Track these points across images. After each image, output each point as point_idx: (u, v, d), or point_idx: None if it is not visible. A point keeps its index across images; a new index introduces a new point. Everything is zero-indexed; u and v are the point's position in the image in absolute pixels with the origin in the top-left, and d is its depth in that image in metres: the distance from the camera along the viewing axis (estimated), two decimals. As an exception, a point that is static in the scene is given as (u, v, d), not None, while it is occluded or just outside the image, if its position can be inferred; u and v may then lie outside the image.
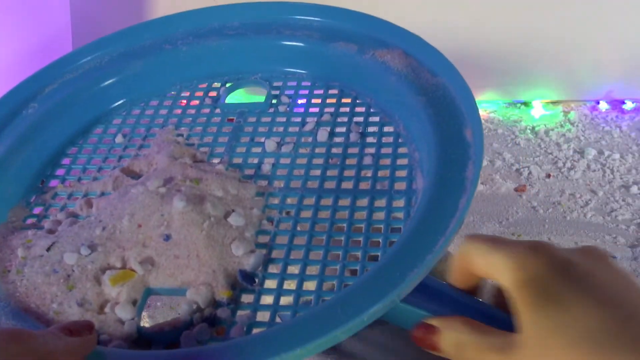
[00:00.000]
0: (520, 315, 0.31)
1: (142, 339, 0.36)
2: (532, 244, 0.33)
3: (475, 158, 0.39)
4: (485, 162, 0.70)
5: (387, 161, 0.45)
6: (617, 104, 0.79)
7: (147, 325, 0.37)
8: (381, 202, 0.42)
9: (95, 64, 0.53)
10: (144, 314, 0.38)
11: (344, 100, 0.51)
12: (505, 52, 0.78)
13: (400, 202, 0.42)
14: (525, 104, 0.79)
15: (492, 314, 0.35)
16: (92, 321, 0.34)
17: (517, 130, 0.76)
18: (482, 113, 0.77)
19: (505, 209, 0.67)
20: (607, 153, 0.72)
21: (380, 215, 0.41)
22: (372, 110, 0.49)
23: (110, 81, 0.53)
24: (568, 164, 0.73)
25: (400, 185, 0.43)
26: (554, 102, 0.80)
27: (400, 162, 0.45)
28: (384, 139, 0.47)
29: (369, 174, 0.44)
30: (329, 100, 0.51)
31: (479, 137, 0.40)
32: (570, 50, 0.77)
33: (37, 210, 0.46)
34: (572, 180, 0.71)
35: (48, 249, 0.40)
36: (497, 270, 0.33)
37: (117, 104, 0.53)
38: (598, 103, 0.79)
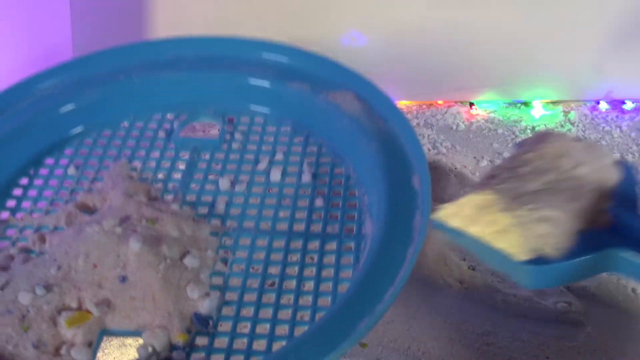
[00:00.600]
0: None
1: (97, 381, 0.37)
2: None
3: (423, 207, 0.41)
4: (485, 162, 0.71)
5: (338, 203, 0.47)
6: (617, 104, 0.81)
7: (103, 367, 0.38)
8: (331, 246, 0.44)
9: (49, 92, 0.53)
10: (99, 355, 0.39)
11: (296, 140, 0.52)
12: (505, 52, 0.77)
13: (349, 246, 0.44)
14: (525, 104, 0.80)
15: None
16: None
17: (517, 130, 0.77)
18: (482, 113, 0.77)
19: None
20: None
21: (330, 259, 0.43)
22: (323, 150, 0.51)
23: (63, 110, 0.53)
24: None
25: (350, 229, 0.45)
26: (554, 102, 0.81)
27: (350, 204, 0.47)
28: (334, 181, 0.49)
29: (320, 216, 0.46)
30: (281, 139, 0.53)
31: (426, 186, 0.42)
32: (570, 50, 0.78)
33: (-13, 242, 0.46)
34: None
35: (2, 288, 0.40)
36: None
37: (69, 133, 0.54)
38: (598, 103, 0.81)
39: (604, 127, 0.79)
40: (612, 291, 0.58)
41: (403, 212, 0.42)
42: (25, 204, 0.48)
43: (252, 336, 0.39)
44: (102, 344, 0.39)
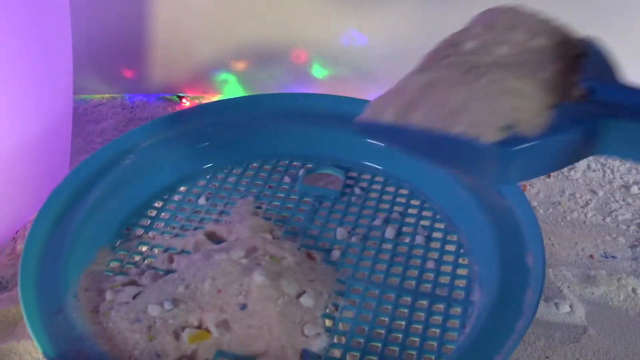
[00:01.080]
0: None
1: (210, 397, 0.40)
2: None
3: (535, 285, 0.43)
4: None
5: (448, 268, 0.49)
6: None
7: (216, 385, 0.40)
8: (439, 307, 0.46)
9: (190, 128, 0.58)
10: (213, 374, 0.42)
11: (412, 202, 0.55)
12: None
13: (456, 310, 0.45)
14: None
15: None
16: None
17: None
18: None
19: None
20: None
21: (437, 320, 0.45)
22: (438, 216, 0.53)
23: (201, 145, 0.58)
24: None
25: (458, 295, 0.47)
26: None
27: (460, 271, 0.48)
28: (446, 247, 0.50)
29: (430, 277, 0.48)
30: (398, 199, 0.55)
31: (540, 265, 0.44)
32: None
33: (121, 255, 0.50)
34: (573, 180, 0.72)
35: (134, 297, 0.44)
36: None
37: (203, 167, 0.58)
38: None
39: None
40: (613, 292, 0.57)
41: (514, 287, 0.43)
42: (158, 225, 0.53)
43: (357, 381, 0.41)
44: (217, 364, 0.42)
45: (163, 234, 0.52)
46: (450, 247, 0.50)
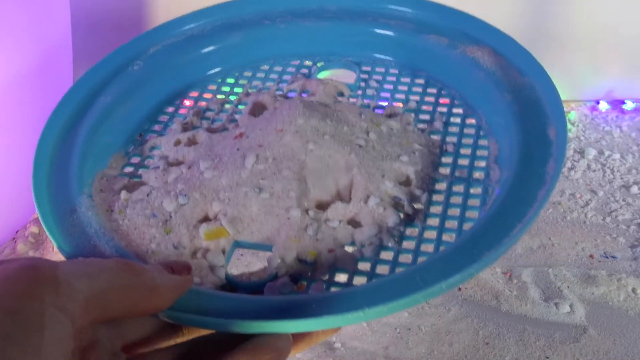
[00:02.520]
0: None
1: (228, 285, 0.40)
2: None
3: (557, 155, 0.41)
4: None
5: (468, 151, 0.47)
6: (617, 104, 0.79)
7: (234, 273, 0.40)
8: (459, 188, 0.44)
9: (197, 31, 0.57)
10: (231, 262, 0.41)
11: (429, 90, 0.53)
12: None
13: (477, 190, 0.44)
14: None
15: None
16: (189, 263, 0.37)
17: None
18: None
19: None
20: (607, 153, 0.73)
21: (457, 200, 0.44)
22: (456, 102, 0.52)
23: (209, 49, 0.56)
24: (568, 164, 0.73)
25: (479, 175, 0.45)
26: None
27: (479, 153, 0.47)
28: (465, 130, 0.49)
29: (450, 160, 0.47)
30: (414, 89, 0.53)
31: (563, 137, 0.42)
32: (570, 50, 0.76)
33: (134, 159, 0.49)
34: (573, 180, 0.71)
35: (148, 195, 0.44)
36: None
37: (212, 71, 0.57)
38: (598, 103, 0.79)
39: (603, 127, 0.77)
40: (613, 292, 0.57)
41: (536, 160, 0.42)
42: (170, 130, 0.52)
43: (376, 261, 0.40)
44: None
45: (174, 135, 0.51)
46: (469, 130, 0.49)
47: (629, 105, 0.78)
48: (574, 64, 0.78)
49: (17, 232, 0.63)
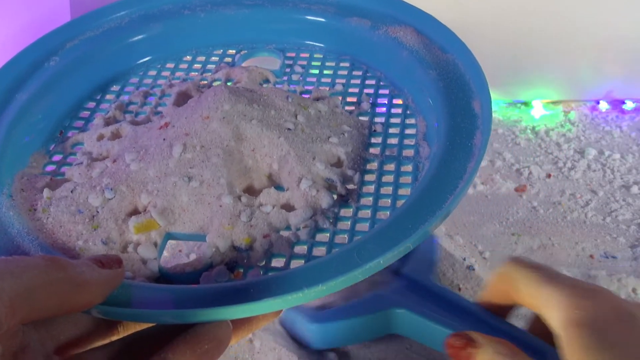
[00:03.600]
0: (568, 355, 0.30)
1: (163, 278, 0.38)
2: (591, 285, 0.33)
3: (483, 127, 0.42)
4: (485, 162, 0.71)
5: (396, 130, 0.47)
6: (617, 104, 0.81)
7: (168, 265, 0.39)
8: (390, 167, 0.45)
9: (115, 24, 0.55)
10: (164, 254, 0.40)
11: (354, 73, 0.53)
12: (505, 52, 0.78)
13: (408, 168, 0.44)
14: (525, 104, 0.80)
15: (527, 342, 0.37)
16: (120, 256, 0.36)
17: (517, 130, 0.77)
18: None
19: (505, 209, 0.69)
20: (607, 153, 0.74)
21: (389, 178, 0.44)
22: (382, 83, 0.52)
23: (128, 41, 0.55)
24: (568, 164, 0.74)
25: (408, 153, 0.46)
26: (554, 102, 0.81)
27: (408, 131, 0.47)
28: (393, 110, 0.49)
29: (379, 140, 0.47)
30: (340, 72, 0.53)
31: (487, 109, 0.43)
32: (570, 50, 0.78)
33: (56, 157, 0.47)
34: (573, 180, 0.72)
35: (72, 191, 0.42)
36: (546, 305, 0.32)
37: (134, 64, 0.55)
38: (598, 103, 0.81)
39: (604, 127, 0.79)
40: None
41: (463, 133, 0.42)
42: (92, 125, 0.50)
43: (312, 243, 0.40)
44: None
45: (97, 130, 0.49)
46: (397, 110, 0.49)
47: (629, 105, 0.79)
48: (574, 64, 0.79)
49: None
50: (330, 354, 0.52)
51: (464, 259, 0.60)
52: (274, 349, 0.52)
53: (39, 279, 0.29)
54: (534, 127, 0.79)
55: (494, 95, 0.84)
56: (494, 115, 0.77)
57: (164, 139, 0.44)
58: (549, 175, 0.73)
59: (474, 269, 0.60)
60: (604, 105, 0.81)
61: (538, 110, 0.81)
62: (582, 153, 0.76)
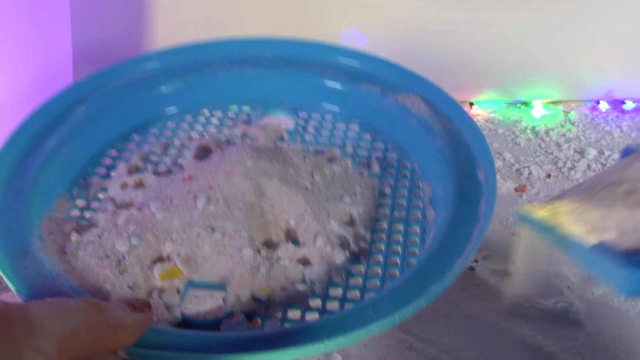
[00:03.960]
0: None
1: (184, 323, 0.41)
2: None
3: (488, 195, 0.45)
4: None
5: (404, 193, 0.51)
6: (617, 104, 0.81)
7: (190, 312, 0.41)
8: (399, 228, 0.47)
9: (138, 77, 0.58)
10: (186, 301, 0.42)
11: (364, 136, 0.56)
12: (505, 52, 0.77)
13: (415, 230, 0.47)
14: (525, 104, 0.80)
15: None
16: (149, 300, 0.38)
17: (517, 130, 0.77)
18: (482, 113, 0.76)
19: (505, 209, 0.69)
20: (607, 153, 0.75)
21: (398, 238, 0.47)
22: (389, 147, 0.55)
23: (150, 94, 0.58)
24: (568, 164, 0.74)
25: (416, 216, 0.49)
26: (554, 102, 0.80)
27: (415, 195, 0.50)
28: (400, 174, 0.52)
29: (388, 202, 0.50)
30: (350, 134, 0.57)
31: (492, 178, 0.46)
32: (570, 50, 0.76)
33: (79, 202, 0.50)
34: (573, 180, 0.72)
35: (99, 237, 0.44)
36: None
37: (154, 115, 0.58)
38: (598, 103, 0.81)
39: (604, 127, 0.79)
40: (613, 292, 0.58)
41: (468, 200, 0.45)
42: (114, 173, 0.52)
43: (326, 297, 0.42)
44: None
45: (120, 178, 0.52)
46: (404, 174, 0.52)
47: (629, 105, 0.80)
48: (574, 64, 0.78)
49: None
50: (335, 355, 0.52)
51: None
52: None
53: (83, 322, 0.32)
54: (534, 127, 0.79)
55: (494, 95, 0.84)
56: (494, 115, 0.77)
57: (188, 191, 0.46)
58: (549, 175, 0.73)
59: (474, 269, 0.59)
60: (604, 105, 0.81)
61: (538, 110, 0.81)
62: (582, 153, 0.75)
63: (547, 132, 0.79)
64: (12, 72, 0.57)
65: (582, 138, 0.77)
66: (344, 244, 0.45)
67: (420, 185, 0.51)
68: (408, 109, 0.54)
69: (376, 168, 0.53)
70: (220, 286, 0.42)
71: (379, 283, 0.43)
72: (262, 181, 0.46)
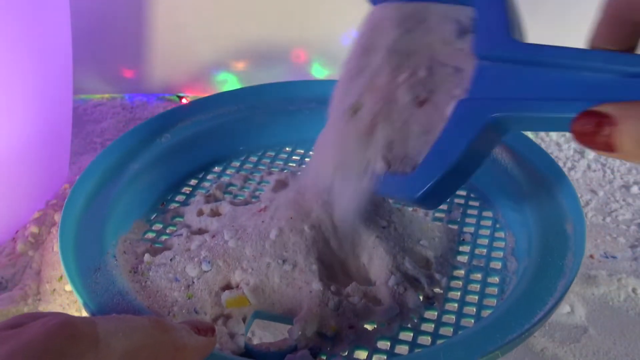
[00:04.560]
0: None
1: (247, 354, 0.39)
2: None
3: (576, 249, 0.42)
4: None
5: (485, 241, 0.48)
6: None
7: (253, 342, 0.40)
8: (477, 277, 0.45)
9: (225, 111, 0.59)
10: (250, 331, 0.41)
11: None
12: None
13: (494, 280, 0.45)
14: None
15: None
16: (214, 325, 0.37)
17: None
18: None
19: None
20: None
21: (475, 287, 0.44)
22: (472, 195, 0.53)
23: (235, 128, 0.58)
24: (568, 164, 0.73)
25: (496, 265, 0.46)
26: None
27: (496, 244, 0.48)
28: (482, 222, 0.50)
29: (467, 249, 0.48)
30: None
31: (581, 232, 0.43)
32: None
33: (156, 227, 0.50)
34: (573, 180, 0.71)
35: (171, 259, 0.44)
36: None
37: (238, 149, 0.58)
38: None
39: None
40: (613, 292, 0.57)
41: (554, 252, 0.43)
42: (192, 201, 0.53)
43: (396, 340, 0.40)
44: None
45: (198, 205, 0.52)
46: (486, 222, 0.50)
47: None
48: None
49: (17, 232, 0.63)
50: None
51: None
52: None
53: (146, 340, 0.31)
54: (534, 127, 0.79)
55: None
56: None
57: (262, 221, 0.46)
58: None
59: None
60: None
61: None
62: (582, 153, 0.75)
63: (547, 132, 0.79)
64: (11, 72, 0.58)
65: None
66: (417, 288, 0.43)
67: (503, 234, 0.49)
68: (493, 157, 0.53)
69: (456, 215, 0.51)
70: (287, 319, 0.41)
71: (452, 330, 0.41)
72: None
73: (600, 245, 0.63)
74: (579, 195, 0.69)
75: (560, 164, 0.75)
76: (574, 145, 0.77)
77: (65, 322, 0.29)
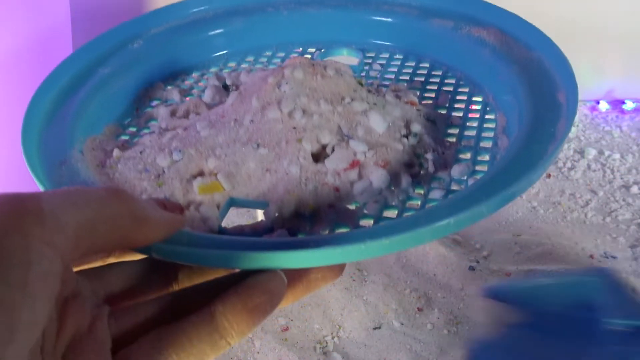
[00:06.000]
0: None
1: (221, 237, 0.37)
2: None
3: (568, 114, 0.40)
4: None
5: (474, 124, 0.46)
6: (617, 104, 0.79)
7: (227, 226, 0.38)
8: (466, 155, 0.43)
9: (200, 16, 0.56)
10: (224, 216, 0.39)
11: (434, 73, 0.52)
12: None
13: (484, 157, 0.42)
14: None
15: None
16: (182, 206, 0.35)
17: None
18: None
19: (505, 209, 0.68)
20: (607, 153, 0.72)
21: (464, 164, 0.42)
22: (461, 82, 0.50)
23: (212, 33, 0.56)
24: (568, 164, 0.72)
25: (486, 144, 0.44)
26: None
27: (487, 125, 0.45)
28: (472, 106, 0.48)
29: (456, 132, 0.45)
30: (419, 72, 0.52)
31: (573, 100, 0.41)
32: (571, 50, 0.76)
33: (130, 131, 0.48)
34: (573, 180, 0.70)
35: (141, 152, 0.42)
36: None
37: (214, 55, 0.56)
38: (598, 103, 0.79)
39: (604, 127, 0.77)
40: None
41: (545, 121, 0.40)
42: (170, 106, 0.50)
43: (380, 218, 0.38)
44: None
45: (175, 114, 0.49)
46: (476, 106, 0.48)
47: (629, 105, 0.78)
48: (574, 64, 0.76)
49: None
50: (335, 354, 0.50)
51: (464, 259, 0.58)
52: (274, 349, 0.51)
53: (102, 211, 0.28)
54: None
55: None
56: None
57: (236, 110, 0.43)
58: (548, 175, 0.72)
59: (473, 269, 0.57)
60: (604, 105, 0.80)
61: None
62: (582, 153, 0.74)
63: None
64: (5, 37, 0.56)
65: (582, 138, 0.76)
66: (404, 165, 0.41)
67: (494, 116, 0.46)
68: (482, 40, 0.50)
69: (444, 100, 0.48)
70: (262, 204, 0.39)
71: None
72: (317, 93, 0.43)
73: (600, 245, 0.62)
74: (578, 196, 0.67)
75: (560, 163, 0.73)
76: (574, 145, 0.75)
77: (8, 199, 0.26)
